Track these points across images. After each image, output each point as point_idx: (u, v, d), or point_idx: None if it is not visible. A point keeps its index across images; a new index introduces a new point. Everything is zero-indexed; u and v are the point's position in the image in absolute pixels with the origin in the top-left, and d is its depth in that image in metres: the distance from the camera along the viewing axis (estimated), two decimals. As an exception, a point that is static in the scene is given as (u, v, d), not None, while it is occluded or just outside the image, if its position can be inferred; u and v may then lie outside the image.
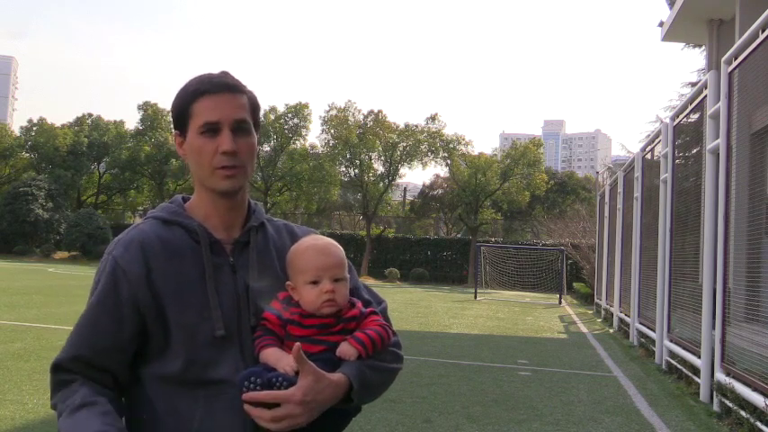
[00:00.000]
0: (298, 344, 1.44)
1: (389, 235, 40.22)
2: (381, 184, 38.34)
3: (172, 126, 1.64)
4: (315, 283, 1.55)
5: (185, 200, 1.68)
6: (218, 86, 1.56)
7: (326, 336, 1.54)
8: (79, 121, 45.48)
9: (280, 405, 1.42)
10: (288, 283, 1.59)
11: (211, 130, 1.54)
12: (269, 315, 1.55)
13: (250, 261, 1.60)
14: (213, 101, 1.55)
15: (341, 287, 1.56)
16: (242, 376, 1.44)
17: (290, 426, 1.42)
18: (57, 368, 1.53)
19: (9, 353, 8.31)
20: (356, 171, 38.15)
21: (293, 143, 40.76)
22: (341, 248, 1.63)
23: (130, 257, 1.54)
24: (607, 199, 19.03)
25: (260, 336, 1.54)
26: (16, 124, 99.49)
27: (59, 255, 37.31)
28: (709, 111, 7.72)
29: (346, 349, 1.52)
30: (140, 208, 47.64)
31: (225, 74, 1.61)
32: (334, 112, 38.26)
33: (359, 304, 1.61)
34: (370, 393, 1.56)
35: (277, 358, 1.48)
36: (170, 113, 1.66)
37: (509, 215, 44.04)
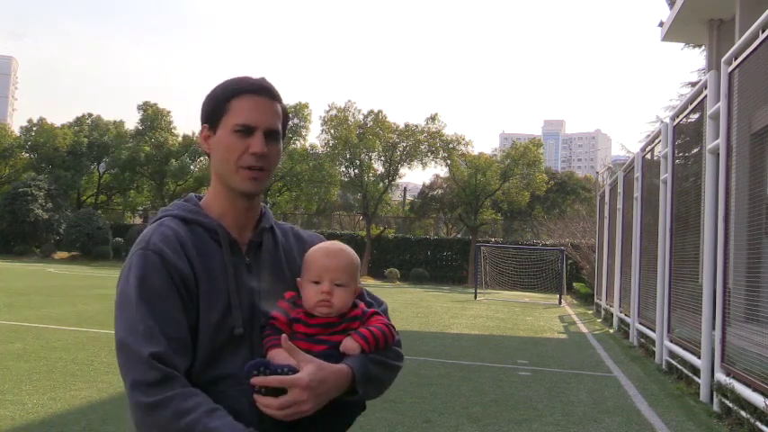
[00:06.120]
0: (284, 335, 1.48)
1: (389, 235, 40.18)
2: (381, 184, 38.29)
3: (202, 120, 1.64)
4: (316, 282, 1.58)
5: (199, 198, 1.70)
6: (259, 89, 1.60)
7: (330, 336, 1.56)
8: (79, 121, 45.37)
9: (286, 393, 1.42)
10: (298, 279, 1.63)
11: (246, 130, 1.56)
12: (277, 314, 1.58)
13: (262, 262, 1.64)
14: (253, 101, 1.58)
15: (340, 292, 1.58)
16: (250, 365, 1.45)
17: (295, 413, 1.43)
18: (157, 360, 1.42)
19: (9, 353, 8.31)
20: (356, 171, 38.11)
21: (293, 143, 40.73)
22: (354, 257, 1.65)
23: (173, 252, 1.52)
24: (607, 199, 19.03)
25: (269, 335, 1.56)
26: (16, 124, 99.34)
27: (59, 255, 37.29)
28: (709, 111, 7.72)
29: (349, 344, 1.55)
30: (140, 208, 47.60)
31: (264, 79, 1.64)
32: (334, 112, 38.23)
33: (362, 305, 1.64)
34: (374, 387, 1.58)
35: (285, 357, 1.50)
36: (202, 109, 1.64)
37: (509, 215, 44.02)
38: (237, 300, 1.56)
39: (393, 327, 1.64)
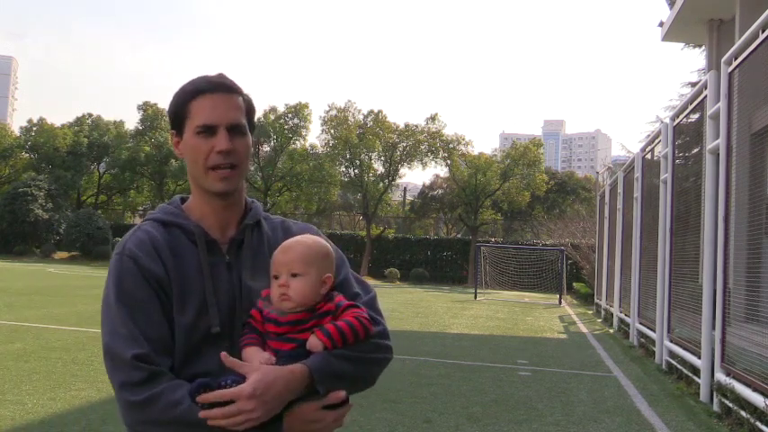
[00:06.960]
0: (223, 353, 1.47)
1: (389, 235, 40.19)
2: (381, 184, 38.31)
3: (169, 127, 1.66)
4: (276, 278, 1.58)
5: (184, 200, 1.70)
6: (215, 86, 1.59)
7: (299, 333, 1.55)
8: (79, 121, 45.37)
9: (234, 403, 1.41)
10: None
11: (208, 130, 1.56)
12: (254, 312, 1.59)
13: (244, 260, 1.64)
14: (210, 100, 1.57)
15: (296, 282, 1.56)
16: (194, 385, 1.44)
17: (246, 420, 1.41)
18: (140, 361, 1.46)
19: (9, 353, 8.31)
20: (356, 171, 38.12)
21: (293, 143, 40.71)
22: (313, 245, 1.61)
23: (147, 256, 1.56)
24: (607, 199, 19.03)
25: (245, 333, 1.57)
26: (16, 124, 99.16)
27: (59, 255, 37.29)
28: (710, 111, 7.72)
29: (312, 342, 1.53)
30: (140, 208, 47.60)
31: (221, 75, 1.63)
32: (334, 112, 38.24)
33: (338, 298, 1.60)
34: (345, 383, 1.55)
35: (250, 357, 1.51)
36: (168, 116, 1.68)
37: (509, 215, 44.02)
38: (214, 299, 1.56)
39: (369, 319, 1.59)
